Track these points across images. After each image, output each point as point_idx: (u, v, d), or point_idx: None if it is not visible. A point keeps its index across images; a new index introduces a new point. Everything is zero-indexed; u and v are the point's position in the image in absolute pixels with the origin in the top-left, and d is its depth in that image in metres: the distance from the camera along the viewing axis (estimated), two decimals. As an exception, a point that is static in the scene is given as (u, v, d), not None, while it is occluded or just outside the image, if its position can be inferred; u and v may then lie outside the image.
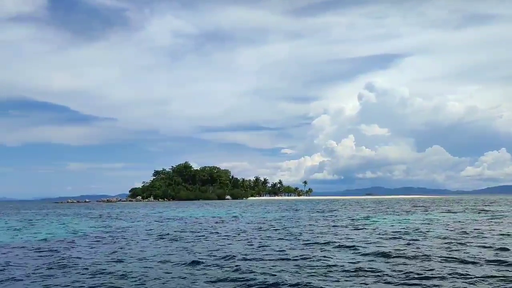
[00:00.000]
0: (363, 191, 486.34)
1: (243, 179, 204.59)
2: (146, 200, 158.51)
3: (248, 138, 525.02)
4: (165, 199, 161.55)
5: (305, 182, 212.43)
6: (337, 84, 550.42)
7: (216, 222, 31.33)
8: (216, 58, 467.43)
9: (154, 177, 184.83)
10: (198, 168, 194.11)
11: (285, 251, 14.86)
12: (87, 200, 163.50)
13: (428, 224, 25.92)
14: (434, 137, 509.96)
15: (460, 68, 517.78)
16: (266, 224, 28.54)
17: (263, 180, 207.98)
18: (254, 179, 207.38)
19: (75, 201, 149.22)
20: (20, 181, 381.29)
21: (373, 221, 30.11)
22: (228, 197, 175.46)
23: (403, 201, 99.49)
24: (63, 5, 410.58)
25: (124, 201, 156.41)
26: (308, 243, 17.03)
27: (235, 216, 39.58)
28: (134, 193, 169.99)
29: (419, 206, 59.51)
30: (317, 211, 47.59)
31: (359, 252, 14.31)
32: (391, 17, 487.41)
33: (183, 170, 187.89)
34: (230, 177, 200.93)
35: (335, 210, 50.09)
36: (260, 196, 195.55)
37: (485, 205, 58.86)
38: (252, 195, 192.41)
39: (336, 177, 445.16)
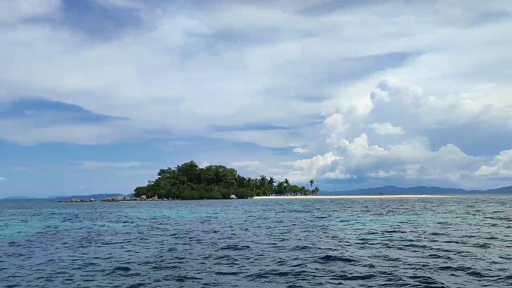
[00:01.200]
0: (375, 191, 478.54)
1: (249, 178, 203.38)
2: (150, 199, 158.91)
3: (260, 137, 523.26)
4: (169, 198, 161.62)
5: (311, 182, 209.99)
6: (349, 83, 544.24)
7: (176, 224, 30.47)
8: (228, 58, 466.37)
9: (160, 176, 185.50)
10: (205, 167, 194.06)
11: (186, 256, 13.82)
12: (92, 199, 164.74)
13: (397, 225, 24.58)
14: (448, 136, 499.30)
15: (475, 66, 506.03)
16: (225, 225, 27.56)
17: (269, 179, 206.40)
18: (260, 178, 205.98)
19: (78, 200, 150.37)
20: (35, 180, 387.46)
21: (342, 221, 28.85)
22: (233, 196, 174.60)
23: (407, 201, 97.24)
24: (76, 6, 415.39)
25: (129, 200, 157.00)
26: (227, 247, 15.99)
27: (211, 217, 38.70)
28: (139, 192, 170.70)
29: (408, 207, 57.66)
30: (296, 211, 46.29)
31: (260, 255, 13.21)
32: (404, 15, 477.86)
33: (189, 169, 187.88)
34: (236, 176, 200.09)
35: (317, 210, 48.74)
36: (266, 195, 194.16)
37: (487, 206, 56.75)
38: (257, 195, 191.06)
39: (348, 176, 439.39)
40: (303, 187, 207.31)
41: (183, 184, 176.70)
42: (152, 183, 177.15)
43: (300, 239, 18.52)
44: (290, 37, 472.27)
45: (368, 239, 18.26)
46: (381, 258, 13.07)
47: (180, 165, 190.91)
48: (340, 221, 29.65)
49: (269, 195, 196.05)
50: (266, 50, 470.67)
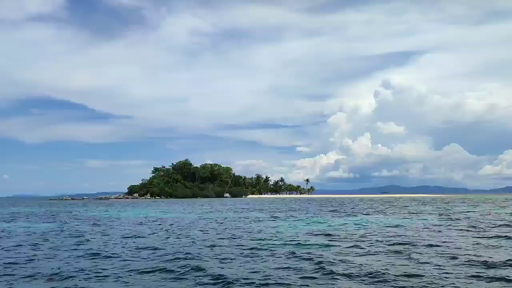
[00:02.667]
0: (378, 190, 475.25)
1: (245, 177, 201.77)
2: (143, 197, 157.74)
3: (265, 135, 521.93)
4: (162, 197, 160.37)
5: (307, 180, 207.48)
6: (353, 81, 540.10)
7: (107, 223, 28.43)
8: (233, 56, 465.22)
9: (154, 174, 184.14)
10: (199, 166, 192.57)
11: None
12: (84, 198, 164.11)
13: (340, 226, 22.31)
14: (452, 135, 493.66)
15: (481, 65, 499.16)
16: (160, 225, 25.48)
17: (265, 178, 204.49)
18: (256, 176, 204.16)
19: (69, 198, 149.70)
20: (41, 178, 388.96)
21: (291, 222, 26.61)
22: (227, 195, 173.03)
23: (395, 201, 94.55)
24: (82, 5, 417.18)
25: (120, 198, 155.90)
26: (90, 254, 13.89)
27: (153, 218, 36.67)
28: (132, 191, 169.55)
29: (374, 208, 55.14)
30: (260, 210, 44.01)
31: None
32: (409, 14, 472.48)
33: (183, 167, 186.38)
34: (232, 174, 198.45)
35: (292, 210, 46.45)
36: (261, 194, 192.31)
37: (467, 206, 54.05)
38: (253, 193, 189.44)
39: (351, 175, 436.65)
40: (299, 186, 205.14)
41: (176, 183, 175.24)
42: (146, 181, 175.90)
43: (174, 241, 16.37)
44: (295, 36, 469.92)
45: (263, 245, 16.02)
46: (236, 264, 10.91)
47: (175, 163, 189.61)
48: (277, 222, 27.43)
49: (264, 194, 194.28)
50: (271, 49, 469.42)
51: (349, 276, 10.46)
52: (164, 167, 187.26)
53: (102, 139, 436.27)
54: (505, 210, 43.17)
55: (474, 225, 24.61)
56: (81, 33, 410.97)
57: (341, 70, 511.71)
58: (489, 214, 37.02)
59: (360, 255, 13.73)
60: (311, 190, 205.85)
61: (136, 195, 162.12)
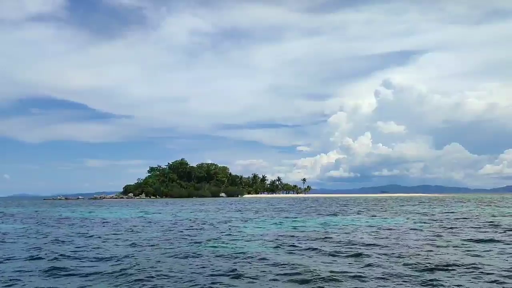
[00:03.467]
0: (379, 189, 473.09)
1: (241, 176, 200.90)
2: (138, 197, 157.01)
3: (265, 135, 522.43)
4: (157, 196, 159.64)
5: (304, 180, 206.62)
6: (354, 81, 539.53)
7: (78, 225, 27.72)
8: (233, 56, 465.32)
9: (150, 174, 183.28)
10: (196, 165, 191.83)
11: None
12: (80, 197, 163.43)
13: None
14: (452, 135, 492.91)
15: (481, 64, 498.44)
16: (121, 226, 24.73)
17: (261, 177, 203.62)
18: (253, 176, 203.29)
19: (63, 197, 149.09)
20: (41, 178, 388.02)
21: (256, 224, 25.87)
22: (222, 194, 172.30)
23: (385, 200, 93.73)
24: (82, 5, 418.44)
25: (115, 198, 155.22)
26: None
27: (128, 218, 35.93)
28: (127, 190, 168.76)
29: (359, 208, 54.35)
30: (239, 210, 43.22)
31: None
32: (410, 13, 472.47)
33: (179, 167, 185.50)
34: (228, 174, 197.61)
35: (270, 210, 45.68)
36: (257, 193, 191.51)
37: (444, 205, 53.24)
38: (249, 193, 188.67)
39: (352, 174, 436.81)
40: (295, 185, 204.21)
41: (172, 182, 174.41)
42: (141, 181, 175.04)
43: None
44: (295, 35, 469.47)
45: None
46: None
47: (171, 163, 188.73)
48: (246, 223, 26.66)
49: (260, 194, 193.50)
50: (271, 49, 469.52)
51: (256, 277, 9.85)
52: (160, 166, 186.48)
53: (102, 139, 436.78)
54: (488, 210, 42.35)
55: (446, 225, 23.91)
56: (81, 33, 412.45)
57: (341, 70, 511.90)
58: (470, 214, 36.25)
59: (291, 254, 12.99)
60: (307, 189, 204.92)
61: (131, 194, 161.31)
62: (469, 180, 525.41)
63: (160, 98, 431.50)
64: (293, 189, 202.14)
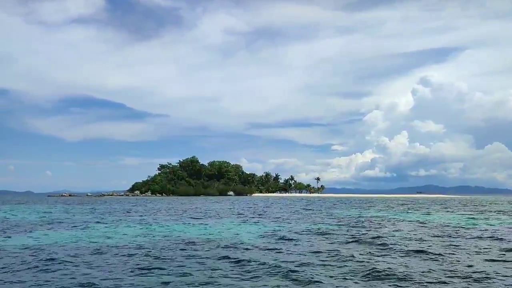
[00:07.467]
0: (415, 189, 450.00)
1: (254, 175, 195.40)
2: (144, 195, 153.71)
3: (298, 134, 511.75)
4: (163, 194, 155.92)
5: (317, 179, 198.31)
6: (390, 79, 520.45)
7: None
8: (267, 55, 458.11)
9: (160, 172, 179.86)
10: (207, 163, 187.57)
11: None
12: (88, 194, 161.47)
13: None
14: (494, 134, 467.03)
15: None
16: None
17: (274, 176, 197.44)
18: (265, 174, 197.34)
19: (67, 194, 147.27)
20: (80, 175, 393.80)
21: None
22: (230, 193, 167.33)
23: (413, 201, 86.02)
24: (120, 6, 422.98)
25: (121, 195, 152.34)
26: None
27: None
28: (134, 187, 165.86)
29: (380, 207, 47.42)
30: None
31: None
32: (448, 9, 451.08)
33: (189, 165, 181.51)
34: (240, 172, 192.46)
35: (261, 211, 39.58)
36: (269, 192, 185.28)
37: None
38: (261, 192, 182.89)
39: (388, 174, 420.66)
40: (309, 185, 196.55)
41: (181, 180, 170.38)
42: (150, 178, 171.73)
43: None
44: (329, 33, 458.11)
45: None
46: None
47: (182, 160, 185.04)
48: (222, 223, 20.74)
49: (273, 193, 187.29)
50: (305, 47, 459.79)
51: None
52: (170, 164, 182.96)
53: (139, 137, 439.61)
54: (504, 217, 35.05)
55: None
56: (119, 34, 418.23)
57: (376, 68, 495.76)
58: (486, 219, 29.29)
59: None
60: (321, 189, 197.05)
61: (137, 192, 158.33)
62: (511, 181, 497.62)
63: (194, 97, 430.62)
64: (306, 188, 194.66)
